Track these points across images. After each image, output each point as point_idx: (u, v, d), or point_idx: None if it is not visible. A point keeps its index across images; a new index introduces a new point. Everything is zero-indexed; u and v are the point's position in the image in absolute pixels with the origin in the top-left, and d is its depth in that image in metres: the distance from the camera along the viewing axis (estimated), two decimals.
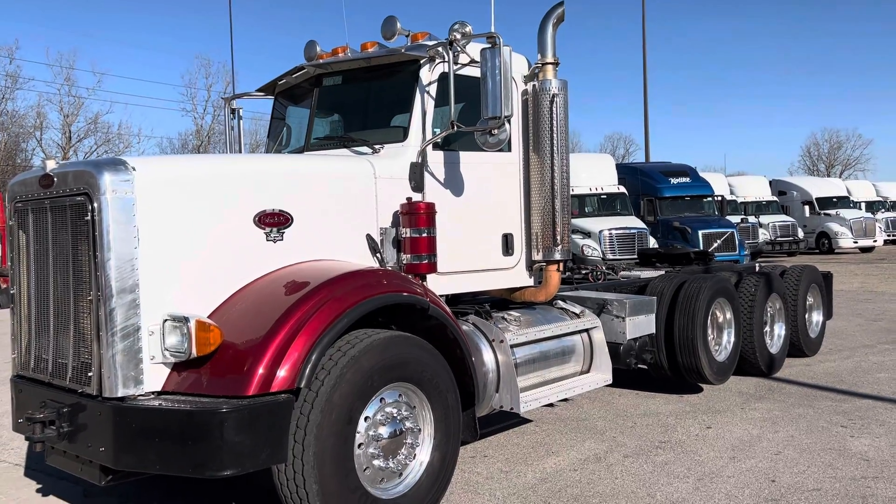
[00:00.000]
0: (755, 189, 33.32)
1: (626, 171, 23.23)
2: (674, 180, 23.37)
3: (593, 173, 21.14)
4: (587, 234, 19.31)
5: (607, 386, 6.45)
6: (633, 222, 19.86)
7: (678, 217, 22.41)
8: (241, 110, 6.31)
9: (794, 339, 8.50)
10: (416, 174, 4.82)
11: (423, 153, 4.87)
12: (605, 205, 20.92)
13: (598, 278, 7.45)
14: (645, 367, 6.61)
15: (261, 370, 3.56)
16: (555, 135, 5.28)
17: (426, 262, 4.64)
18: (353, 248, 4.56)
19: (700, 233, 21.32)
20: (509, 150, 5.41)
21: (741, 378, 7.66)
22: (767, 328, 8.04)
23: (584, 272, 7.70)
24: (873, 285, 17.43)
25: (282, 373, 3.59)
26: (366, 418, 3.92)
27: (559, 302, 5.80)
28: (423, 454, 4.20)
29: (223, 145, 6.49)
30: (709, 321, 6.99)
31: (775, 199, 33.19)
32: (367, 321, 4.15)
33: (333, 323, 3.78)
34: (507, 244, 5.36)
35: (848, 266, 23.76)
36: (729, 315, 7.36)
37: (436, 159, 4.98)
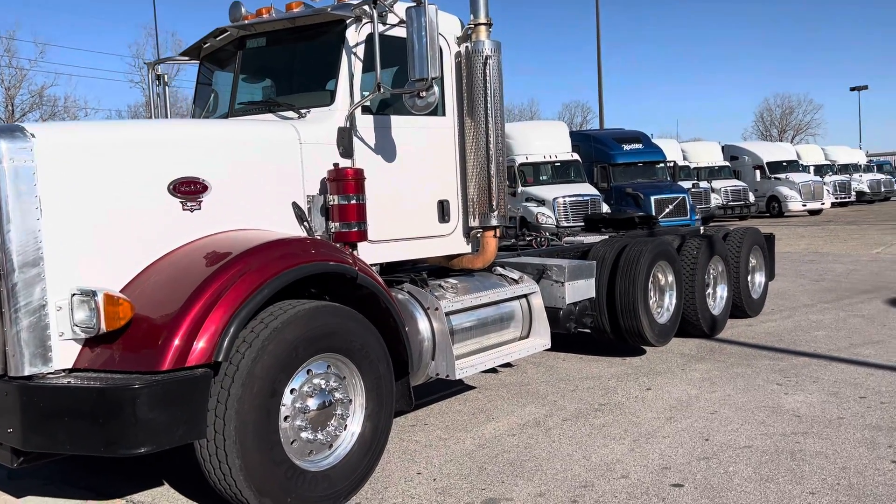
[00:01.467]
0: (708, 155, 33.71)
1: (579, 139, 23.27)
2: (627, 147, 23.51)
3: (547, 141, 21.15)
4: (541, 202, 19.36)
5: (552, 351, 6.48)
6: (587, 189, 19.96)
7: (631, 183, 22.59)
8: (165, 76, 6.05)
9: (736, 300, 8.63)
10: (345, 139, 4.67)
11: (351, 117, 4.72)
12: (560, 172, 20.98)
13: (541, 244, 7.42)
14: (586, 330, 6.63)
15: (175, 344, 3.42)
16: (489, 98, 5.17)
17: (356, 230, 4.52)
18: (278, 217, 4.42)
19: (652, 198, 21.53)
20: (443, 114, 5.29)
21: (684, 340, 7.76)
22: (710, 290, 8.13)
23: (528, 238, 7.66)
24: (818, 247, 17.84)
25: (198, 346, 3.46)
26: (291, 391, 3.82)
27: (498, 268, 5.75)
28: (355, 425, 4.13)
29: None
30: (650, 284, 7.03)
31: (727, 164, 33.64)
32: (295, 292, 4.04)
33: (253, 294, 3.65)
34: (443, 211, 5.26)
35: (796, 228, 24.31)
36: (671, 278, 7.42)
37: (365, 124, 4.84)
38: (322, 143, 4.60)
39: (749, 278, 9.01)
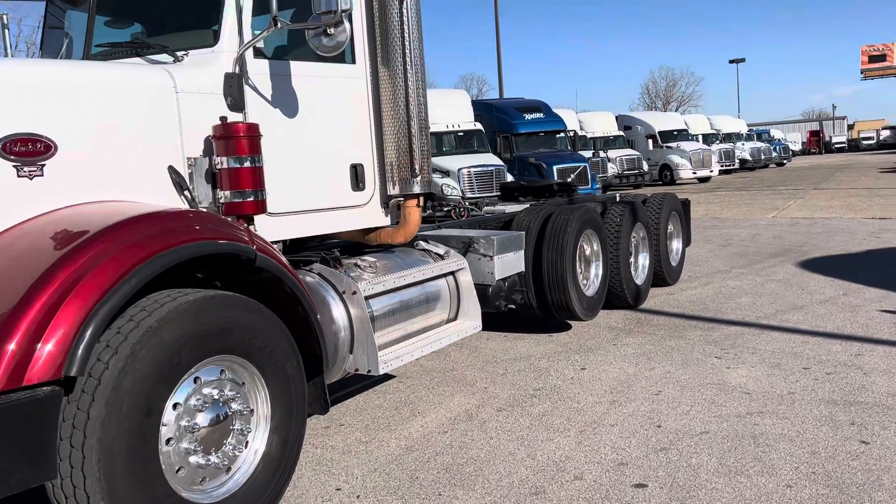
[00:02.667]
0: (603, 124, 34.17)
1: (481, 108, 22.75)
2: (528, 116, 23.26)
3: (450, 110, 20.47)
4: (446, 173, 18.72)
5: None
6: (491, 159, 19.51)
7: (533, 153, 22.39)
8: (6, 16, 4.90)
9: (657, 268, 8.33)
10: (234, 88, 3.79)
11: (240, 61, 3.84)
12: (463, 142, 20.43)
13: (461, 215, 6.77)
14: (515, 307, 6.05)
15: (7, 355, 2.52)
16: (407, 43, 4.41)
17: (251, 199, 3.68)
18: (150, 185, 3.51)
19: (555, 168, 21.40)
20: (353, 61, 4.48)
21: (608, 312, 7.35)
22: (633, 259, 7.77)
23: (446, 209, 6.99)
24: (716, 212, 18.21)
25: (41, 357, 2.58)
26: (175, 406, 2.99)
27: (420, 243, 5.04)
28: (258, 440, 3.35)
29: None
30: (577, 255, 6.54)
31: (622, 133, 34.25)
32: (176, 280, 3.19)
33: (118, 284, 2.78)
34: (357, 177, 4.48)
35: (689, 195, 24.79)
36: (596, 247, 6.96)
37: (259, 70, 3.97)
38: (204, 93, 3.70)
39: (668, 245, 8.75)
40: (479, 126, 20.83)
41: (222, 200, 3.65)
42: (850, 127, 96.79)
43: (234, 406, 3.21)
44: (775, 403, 4.58)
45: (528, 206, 7.32)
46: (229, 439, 3.20)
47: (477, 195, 17.59)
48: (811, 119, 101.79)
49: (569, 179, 20.38)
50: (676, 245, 9.07)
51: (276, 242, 4.05)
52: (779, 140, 53.26)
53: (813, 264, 9.65)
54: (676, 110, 73.57)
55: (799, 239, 12.23)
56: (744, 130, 48.10)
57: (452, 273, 4.94)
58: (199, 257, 3.18)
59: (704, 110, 73.00)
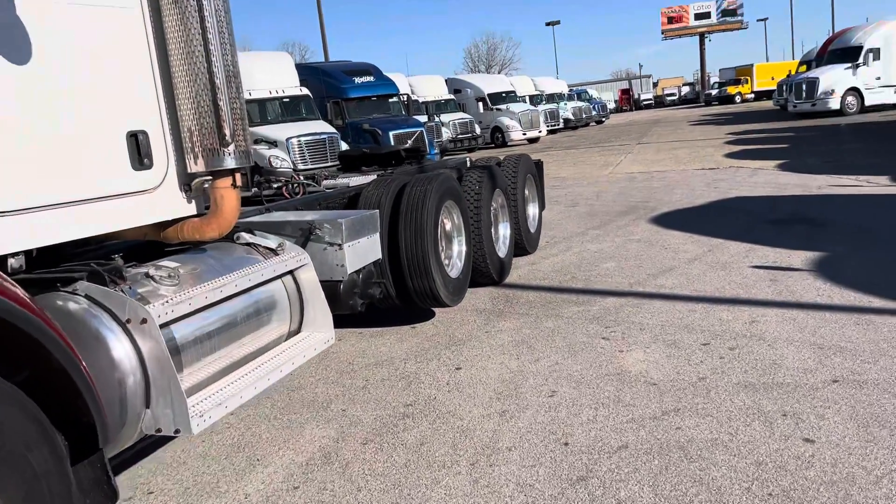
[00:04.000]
0: (433, 88, 33.56)
1: (306, 72, 21.06)
2: (358, 80, 21.95)
3: (272, 75, 18.63)
4: (273, 144, 17.03)
5: None
6: (323, 127, 18.08)
7: (367, 119, 21.20)
8: None
9: (517, 236, 7.59)
10: None
11: None
12: (289, 109, 18.76)
13: (295, 192, 5.55)
14: (373, 303, 4.96)
15: None
16: None
17: None
18: None
19: (391, 133, 20.39)
20: None
21: (473, 291, 6.48)
22: (493, 230, 6.93)
23: (275, 186, 5.72)
24: (554, 172, 18.06)
25: None
26: None
27: (243, 235, 3.79)
28: None
29: None
30: (439, 231, 5.56)
31: (452, 97, 33.83)
32: None
33: None
34: (139, 150, 3.13)
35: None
36: (458, 220, 6.03)
37: None
38: None
39: (525, 211, 8.03)
40: (305, 91, 19.24)
41: None
42: (655, 85, 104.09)
43: None
44: (690, 395, 3.89)
45: (374, 177, 6.22)
46: None
47: (310, 167, 16.15)
48: (621, 79, 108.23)
49: (407, 145, 19.47)
50: (533, 210, 8.39)
51: (12, 256, 2.67)
52: (597, 99, 55.68)
53: (665, 220, 9.40)
54: (499, 73, 75.09)
55: (642, 194, 12.13)
56: (565, 91, 49.68)
57: (291, 272, 3.75)
58: None
59: (525, 73, 75.08)
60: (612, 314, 5.55)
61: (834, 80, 27.62)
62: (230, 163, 3.29)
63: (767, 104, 46.78)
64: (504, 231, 7.17)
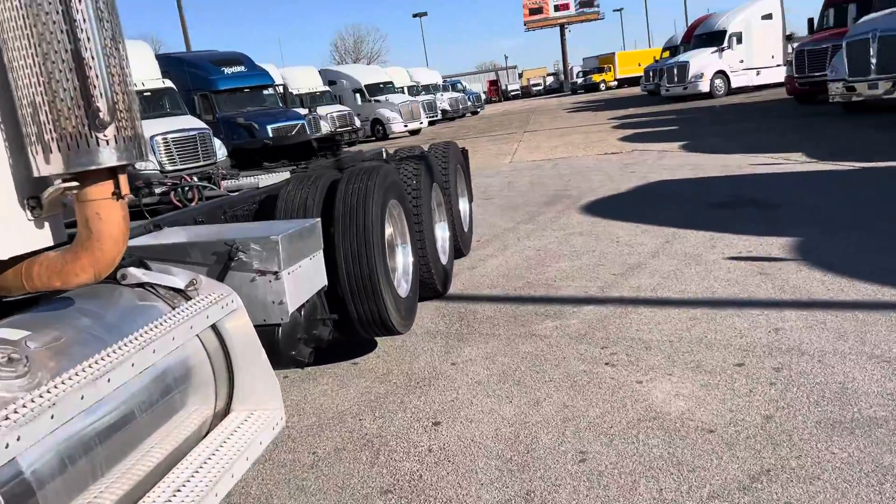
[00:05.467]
0: (307, 80, 31.91)
1: (168, 64, 18.88)
2: (228, 70, 20.06)
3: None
4: None
5: None
6: (192, 122, 16.14)
7: (241, 112, 19.40)
8: None
9: (454, 238, 6.49)
10: None
11: None
12: (151, 104, 16.59)
13: (188, 199, 4.15)
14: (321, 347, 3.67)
15: None
16: None
17: None
18: None
19: (269, 127, 18.74)
20: None
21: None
22: (434, 232, 5.80)
23: (158, 192, 4.30)
24: None
25: None
26: None
27: (132, 271, 2.43)
28: None
29: None
30: (385, 239, 4.36)
31: (328, 89, 32.25)
32: None
33: None
34: None
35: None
36: (402, 224, 4.85)
37: None
38: None
39: (458, 207, 6.95)
40: (169, 84, 17.15)
41: None
42: (520, 75, 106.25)
43: None
44: (769, 447, 2.93)
45: (288, 174, 4.91)
46: None
47: (180, 167, 14.26)
48: (488, 70, 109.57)
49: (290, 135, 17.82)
50: (464, 206, 7.32)
51: None
52: (472, 90, 55.55)
53: (598, 209, 8.62)
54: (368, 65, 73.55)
55: (557, 182, 11.38)
56: (440, 82, 49.12)
57: (213, 324, 2.44)
58: None
59: (393, 64, 73.94)
60: (599, 329, 4.58)
61: (702, 63, 28.53)
62: (108, 157, 1.95)
63: (633, 90, 48.42)
64: (443, 233, 6.05)
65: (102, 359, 1.86)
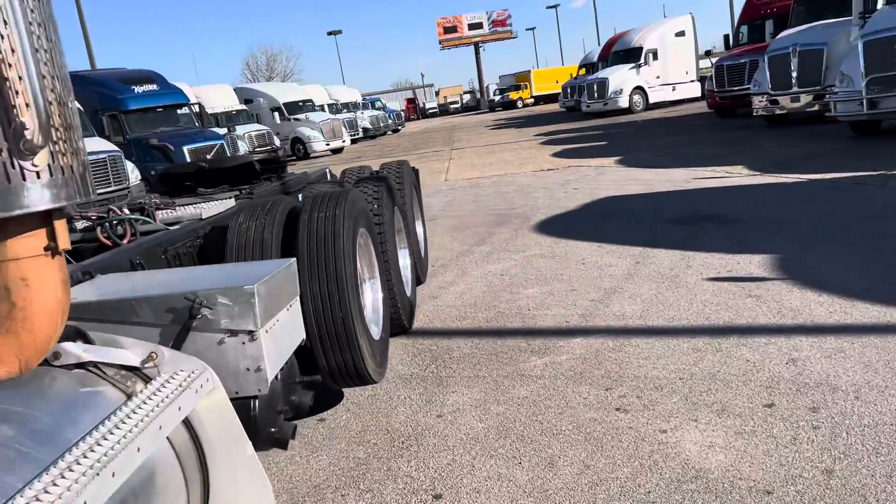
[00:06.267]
0: (222, 98, 30.78)
1: (72, 82, 17.52)
2: (139, 89, 18.84)
3: None
4: None
5: None
6: (101, 144, 14.97)
7: (154, 133, 18.24)
8: None
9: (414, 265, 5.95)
10: None
11: None
12: None
13: (119, 235, 3.45)
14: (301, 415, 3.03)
15: None
16: None
17: None
18: None
19: (185, 149, 17.68)
20: None
21: None
22: (398, 261, 5.24)
23: (80, 228, 3.58)
24: None
25: None
26: None
27: (66, 347, 1.78)
28: None
29: None
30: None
31: (245, 107, 31.13)
32: None
33: None
34: None
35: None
36: (370, 256, 4.27)
37: None
38: None
39: (416, 231, 6.42)
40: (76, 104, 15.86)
41: None
42: (437, 93, 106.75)
43: None
44: None
45: (233, 201, 4.26)
46: None
47: (93, 194, 13.10)
48: (406, 88, 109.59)
49: (207, 157, 16.80)
50: (420, 229, 6.79)
51: None
52: (391, 108, 55.13)
53: (551, 228, 8.26)
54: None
55: (501, 201, 11.01)
56: (360, 100, 48.49)
57: (186, 416, 1.81)
58: None
59: (308, 83, 72.76)
60: (595, 366, 4.13)
61: (621, 80, 29.10)
62: (39, 197, 1.33)
63: (551, 107, 49.12)
64: (405, 261, 5.50)
65: (37, 498, 1.22)
